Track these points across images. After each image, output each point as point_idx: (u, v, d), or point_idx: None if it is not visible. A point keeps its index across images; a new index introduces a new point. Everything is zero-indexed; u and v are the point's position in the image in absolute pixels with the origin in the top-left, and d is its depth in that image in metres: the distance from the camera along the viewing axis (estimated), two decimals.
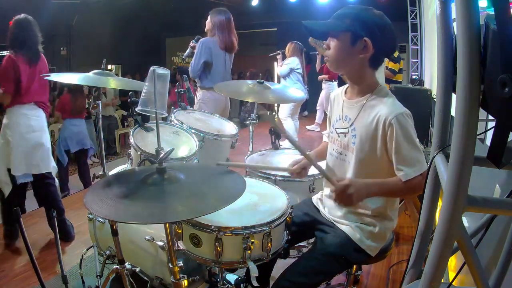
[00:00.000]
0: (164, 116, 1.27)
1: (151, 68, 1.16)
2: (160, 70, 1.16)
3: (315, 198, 1.54)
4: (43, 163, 2.53)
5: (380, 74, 4.00)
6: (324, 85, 6.19)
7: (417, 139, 1.22)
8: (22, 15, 2.41)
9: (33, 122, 2.47)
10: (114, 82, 1.75)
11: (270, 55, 5.15)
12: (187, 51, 3.00)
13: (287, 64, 4.73)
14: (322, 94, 6.33)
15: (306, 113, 8.10)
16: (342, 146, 1.34)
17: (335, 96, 1.45)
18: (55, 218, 1.67)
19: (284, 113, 4.88)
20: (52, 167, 2.61)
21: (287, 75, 4.72)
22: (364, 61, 1.23)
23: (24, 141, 2.43)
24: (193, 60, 2.87)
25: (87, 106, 1.78)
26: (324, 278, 1.35)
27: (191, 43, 2.96)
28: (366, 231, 1.31)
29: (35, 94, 2.46)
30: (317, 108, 6.52)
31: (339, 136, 1.35)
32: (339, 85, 6.00)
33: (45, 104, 2.56)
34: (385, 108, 1.21)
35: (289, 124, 4.87)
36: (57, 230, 1.61)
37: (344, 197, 1.18)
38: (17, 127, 2.42)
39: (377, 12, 1.22)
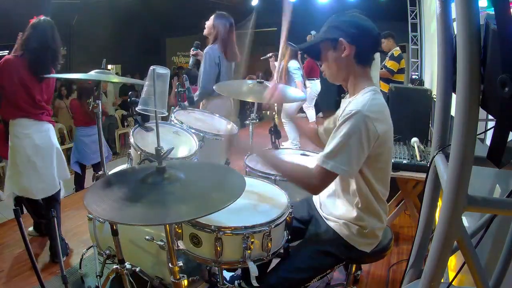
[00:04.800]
0: (164, 115, 1.27)
1: (151, 68, 1.16)
2: (160, 70, 1.16)
3: (315, 197, 1.56)
4: (52, 184, 2.37)
5: (375, 73, 3.94)
6: (308, 84, 5.80)
7: (356, 142, 1.15)
8: (42, 19, 2.19)
9: (38, 141, 2.26)
10: (115, 78, 1.74)
11: (262, 58, 5.05)
12: (191, 60, 2.85)
13: (297, 70, 4.60)
14: (307, 93, 6.09)
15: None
16: None
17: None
18: (54, 218, 1.67)
19: (285, 115, 4.84)
20: (65, 175, 2.49)
21: (304, 82, 4.63)
22: (349, 60, 1.27)
23: (32, 164, 2.26)
24: (204, 75, 2.65)
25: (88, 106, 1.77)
26: (315, 274, 1.36)
27: (191, 51, 2.82)
28: (354, 228, 1.32)
29: (36, 105, 2.25)
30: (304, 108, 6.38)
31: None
32: (321, 82, 5.92)
33: (48, 115, 2.36)
34: (353, 104, 1.22)
35: (291, 128, 4.82)
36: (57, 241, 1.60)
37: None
38: (23, 151, 2.23)
39: (349, 13, 1.29)
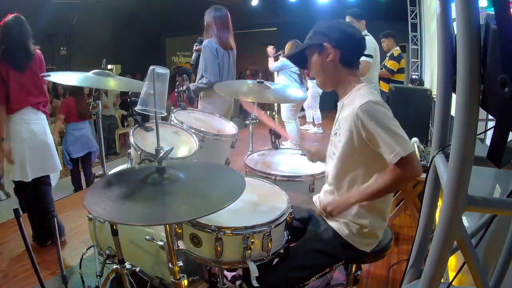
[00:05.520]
0: (163, 115, 1.27)
1: (151, 68, 1.16)
2: (160, 70, 1.16)
3: (315, 197, 1.56)
4: (47, 165, 2.51)
5: (375, 73, 3.95)
6: (309, 84, 5.76)
7: (394, 123, 1.18)
8: (8, 18, 2.32)
9: (34, 127, 2.42)
10: (113, 83, 1.75)
11: (274, 55, 5.11)
12: (194, 55, 2.88)
13: (281, 61, 4.65)
14: (309, 93, 5.91)
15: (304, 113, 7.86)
16: (334, 146, 1.38)
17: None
18: (54, 218, 1.67)
19: (286, 115, 4.76)
20: (55, 167, 2.59)
21: (277, 70, 4.66)
22: (335, 64, 1.30)
23: (27, 147, 2.39)
24: (208, 66, 2.69)
25: (87, 106, 1.77)
26: (313, 273, 1.37)
27: (194, 46, 2.85)
28: (354, 227, 1.32)
29: (32, 97, 2.40)
30: (306, 108, 6.33)
31: (333, 137, 1.40)
32: None
33: (44, 105, 2.51)
34: (355, 101, 1.24)
35: (292, 128, 4.80)
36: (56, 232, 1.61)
37: (327, 213, 1.34)
38: (19, 134, 2.37)
39: (334, 20, 1.34)
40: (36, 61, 2.41)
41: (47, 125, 2.55)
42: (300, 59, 1.41)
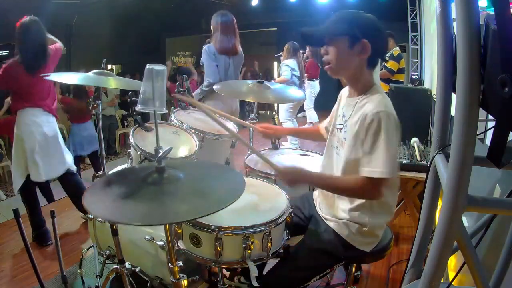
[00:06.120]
0: (164, 112, 1.26)
1: (147, 66, 1.15)
2: (156, 67, 1.15)
3: (315, 194, 1.56)
4: (61, 165, 2.61)
5: (376, 75, 3.96)
6: (305, 85, 5.79)
7: (394, 144, 1.18)
8: (25, 19, 2.36)
9: (46, 129, 2.50)
10: (114, 82, 1.75)
11: (275, 55, 5.13)
12: (202, 56, 2.98)
13: (287, 67, 4.63)
14: (306, 94, 5.87)
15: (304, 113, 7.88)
16: (338, 141, 1.36)
17: (343, 93, 1.46)
18: (55, 219, 1.67)
19: (284, 116, 4.77)
20: (70, 162, 2.70)
21: (289, 77, 4.60)
22: (362, 63, 1.26)
23: (40, 149, 2.47)
24: (207, 69, 2.82)
25: (88, 106, 1.77)
26: (314, 273, 1.36)
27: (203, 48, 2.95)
28: (354, 227, 1.32)
29: (44, 100, 2.48)
30: (305, 108, 6.37)
31: (337, 131, 1.38)
32: (321, 84, 5.90)
33: (54, 108, 2.59)
34: (371, 105, 1.22)
35: (292, 127, 4.79)
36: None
37: (285, 179, 1.33)
38: (32, 136, 2.44)
39: (369, 15, 1.27)
40: (49, 62, 2.45)
41: (57, 127, 2.63)
42: (316, 38, 1.30)
